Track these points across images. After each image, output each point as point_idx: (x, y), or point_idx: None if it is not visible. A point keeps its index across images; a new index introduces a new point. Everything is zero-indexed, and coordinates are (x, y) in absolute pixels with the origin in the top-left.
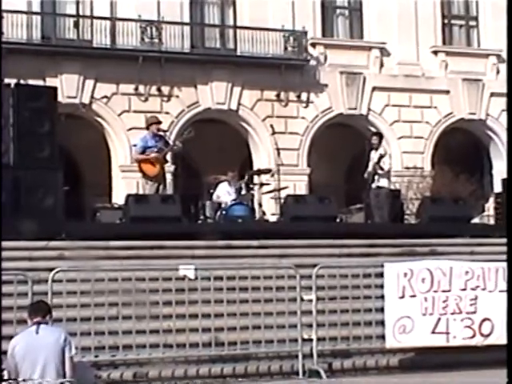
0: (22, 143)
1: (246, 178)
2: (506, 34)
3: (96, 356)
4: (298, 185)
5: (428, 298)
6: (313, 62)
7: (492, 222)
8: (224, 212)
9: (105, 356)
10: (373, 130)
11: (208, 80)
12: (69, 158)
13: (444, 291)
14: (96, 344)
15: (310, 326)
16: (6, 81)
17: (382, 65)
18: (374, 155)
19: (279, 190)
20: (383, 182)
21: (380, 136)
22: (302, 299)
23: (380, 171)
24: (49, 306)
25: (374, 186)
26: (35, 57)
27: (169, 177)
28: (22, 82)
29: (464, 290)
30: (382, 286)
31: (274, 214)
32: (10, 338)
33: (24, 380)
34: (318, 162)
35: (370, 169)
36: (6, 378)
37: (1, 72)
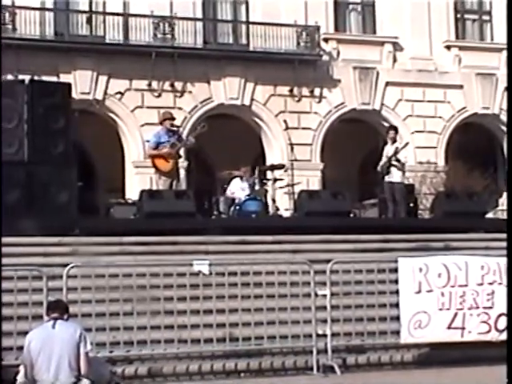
0: (36, 139)
1: (257, 173)
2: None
3: (111, 351)
4: (312, 180)
5: (445, 292)
6: (325, 58)
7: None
8: (238, 207)
9: (119, 351)
10: (386, 125)
11: (221, 75)
12: (82, 154)
13: (461, 286)
14: (111, 339)
15: (325, 321)
16: (20, 77)
17: (395, 60)
18: (390, 148)
19: (292, 185)
20: (397, 177)
21: (396, 129)
22: (316, 294)
23: (397, 164)
24: (67, 305)
25: (387, 179)
26: (49, 53)
27: (182, 172)
28: (36, 78)
29: (481, 284)
30: (396, 281)
31: (287, 210)
32: (25, 333)
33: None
34: (331, 158)
35: (382, 162)
36: (22, 372)
37: (0, 68)
